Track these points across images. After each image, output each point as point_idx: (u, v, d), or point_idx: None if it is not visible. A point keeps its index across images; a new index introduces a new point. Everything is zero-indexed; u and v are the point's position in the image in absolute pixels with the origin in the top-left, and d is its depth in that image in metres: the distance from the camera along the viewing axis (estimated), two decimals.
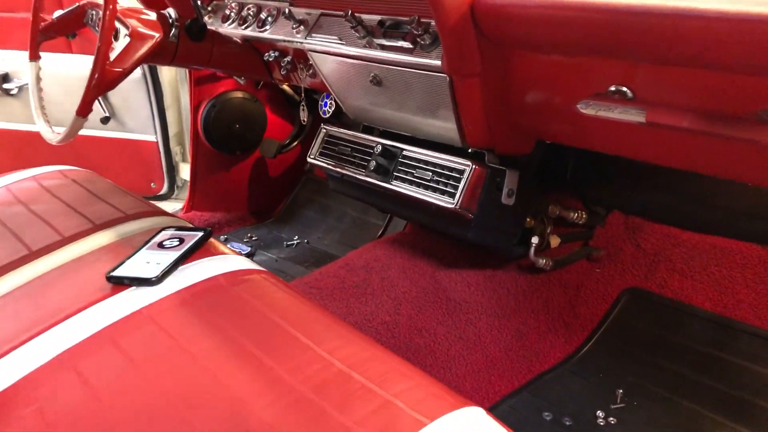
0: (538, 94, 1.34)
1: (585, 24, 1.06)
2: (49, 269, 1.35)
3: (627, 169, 1.69)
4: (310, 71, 1.77)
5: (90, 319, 1.09)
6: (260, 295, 1.16)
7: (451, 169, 1.48)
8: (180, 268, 1.26)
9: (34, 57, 1.85)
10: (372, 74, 1.55)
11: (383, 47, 1.48)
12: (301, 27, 1.72)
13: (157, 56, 1.68)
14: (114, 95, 2.58)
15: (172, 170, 2.75)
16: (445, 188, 1.49)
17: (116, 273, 1.21)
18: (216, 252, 1.34)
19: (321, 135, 1.85)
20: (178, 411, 0.83)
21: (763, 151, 1.07)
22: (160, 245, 1.34)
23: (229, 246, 2.43)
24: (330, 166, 1.77)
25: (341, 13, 1.63)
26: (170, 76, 2.63)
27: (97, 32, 1.79)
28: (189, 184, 2.56)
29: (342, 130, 1.78)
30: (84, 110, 1.51)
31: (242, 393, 0.84)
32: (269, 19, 1.86)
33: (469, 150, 1.55)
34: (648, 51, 1.03)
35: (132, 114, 2.61)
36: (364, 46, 1.52)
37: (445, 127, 1.51)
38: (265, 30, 1.84)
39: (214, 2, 2.08)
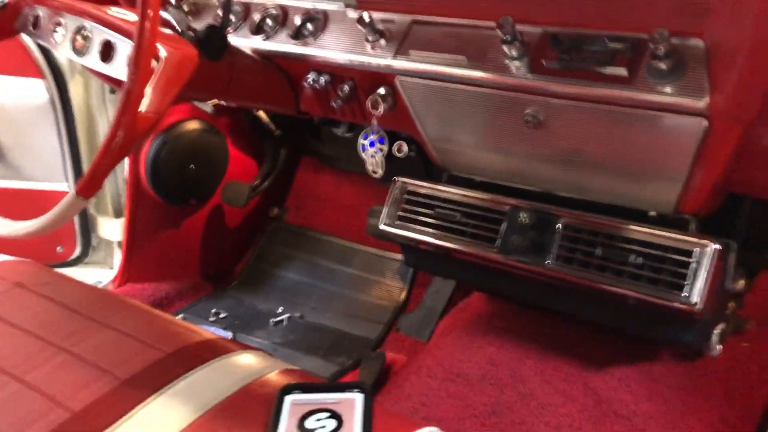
0: None
1: None
2: None
3: None
4: (389, 103, 1.23)
5: None
6: None
7: (670, 249, 1.04)
8: None
9: None
10: (527, 112, 1.06)
11: (562, 73, 1.00)
12: (382, 41, 1.18)
13: None
14: (4, 130, 1.81)
15: (87, 227, 2.02)
16: (658, 276, 1.04)
17: None
18: (400, 424, 0.80)
19: (397, 191, 1.31)
20: None
21: None
22: None
23: None
24: (424, 238, 1.24)
25: (453, 21, 1.13)
26: (81, 98, 1.91)
27: (49, 44, 1.11)
28: (124, 247, 1.86)
29: (438, 186, 1.26)
30: (92, 188, 0.87)
31: None
32: (309, 26, 1.29)
33: (650, 214, 1.12)
34: None
35: (32, 154, 1.86)
36: (523, 72, 1.03)
37: (647, 186, 1.06)
38: (308, 43, 1.27)
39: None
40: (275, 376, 0.89)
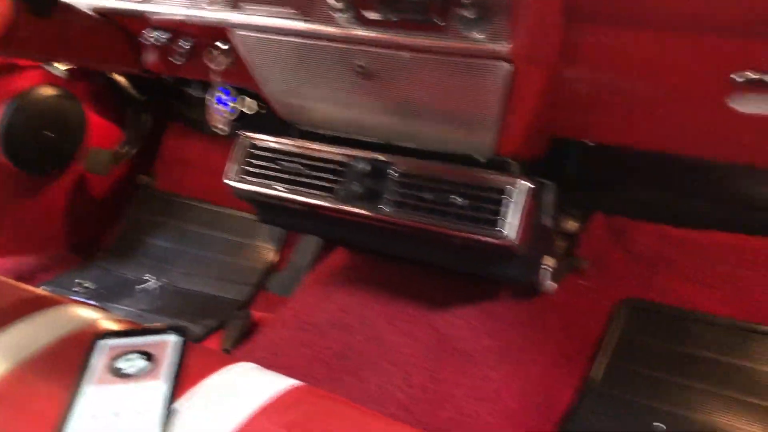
0: (615, 83, 1.03)
1: None
2: None
3: (609, 163, 1.46)
4: (230, 59, 1.24)
5: None
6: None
7: (487, 189, 1.10)
8: (181, 410, 0.74)
9: None
10: (357, 63, 1.09)
11: (384, 24, 1.04)
12: None
13: None
14: None
15: None
16: (479, 215, 1.10)
17: None
18: (213, 361, 0.83)
19: (241, 147, 1.32)
20: None
21: None
22: (117, 372, 0.78)
23: None
24: (268, 191, 1.26)
25: None
26: None
27: None
28: None
29: (284, 140, 1.28)
30: None
31: None
32: None
33: (479, 158, 1.19)
34: None
35: None
36: (349, 23, 1.06)
37: (465, 132, 1.12)
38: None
39: None
40: (98, 326, 0.89)
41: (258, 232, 1.93)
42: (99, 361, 0.79)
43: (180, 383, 0.76)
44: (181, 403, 0.74)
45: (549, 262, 1.34)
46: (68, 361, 0.81)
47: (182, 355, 0.79)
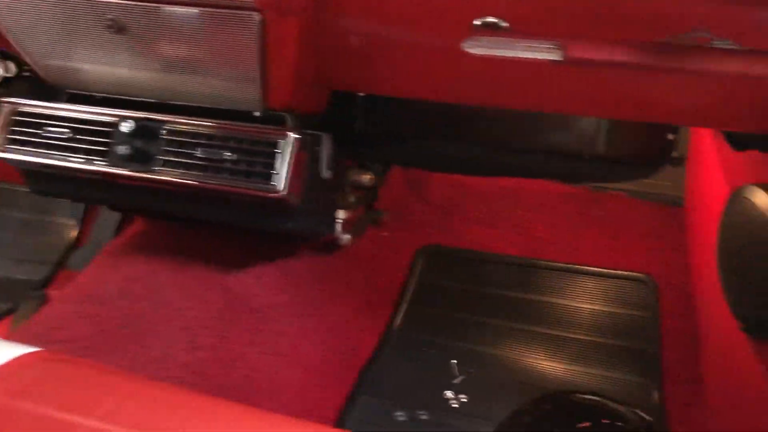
0: (376, 33, 1.05)
1: None
2: None
3: (402, 117, 1.50)
4: None
5: None
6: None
7: (257, 143, 1.09)
8: None
9: None
10: (108, 18, 1.04)
11: None
12: None
13: None
14: None
15: None
16: (252, 169, 1.09)
17: None
18: None
19: (3, 114, 1.22)
20: None
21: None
22: None
23: None
24: (35, 159, 1.18)
25: None
26: None
27: None
28: None
29: (50, 105, 1.20)
30: None
31: None
32: None
33: (255, 114, 1.17)
34: None
35: None
36: None
37: (232, 86, 1.10)
38: None
39: None
40: None
41: (56, 207, 1.82)
42: None
43: None
44: None
45: (342, 216, 1.36)
46: None
47: None
